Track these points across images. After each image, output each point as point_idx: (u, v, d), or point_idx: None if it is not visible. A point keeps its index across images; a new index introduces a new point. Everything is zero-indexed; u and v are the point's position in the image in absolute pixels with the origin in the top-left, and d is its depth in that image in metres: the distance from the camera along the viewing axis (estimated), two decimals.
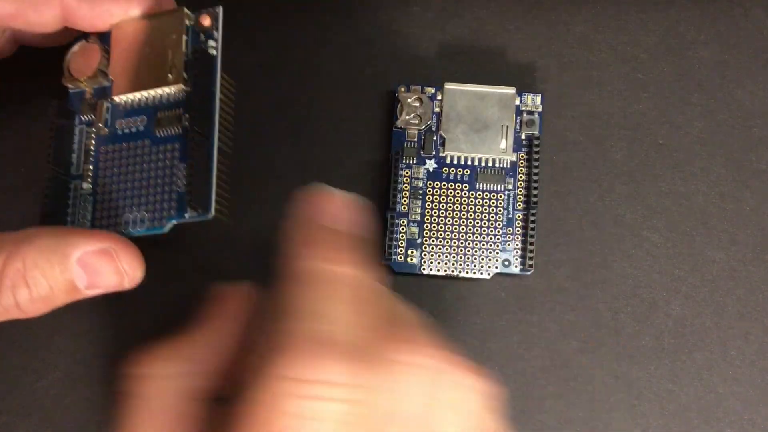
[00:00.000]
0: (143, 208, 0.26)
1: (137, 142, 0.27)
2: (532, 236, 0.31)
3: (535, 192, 0.31)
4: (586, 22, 0.33)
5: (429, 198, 0.31)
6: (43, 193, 0.27)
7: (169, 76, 0.26)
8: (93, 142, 0.27)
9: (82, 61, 0.27)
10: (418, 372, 0.20)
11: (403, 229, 0.31)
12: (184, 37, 0.26)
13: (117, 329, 0.31)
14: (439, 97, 0.31)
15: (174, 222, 0.26)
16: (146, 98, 0.27)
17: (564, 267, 0.32)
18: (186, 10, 0.26)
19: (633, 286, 0.32)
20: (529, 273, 0.31)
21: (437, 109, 0.31)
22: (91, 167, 0.27)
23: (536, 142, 0.31)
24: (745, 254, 0.32)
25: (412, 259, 0.31)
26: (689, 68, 0.33)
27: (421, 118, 0.31)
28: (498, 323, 0.31)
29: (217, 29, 0.26)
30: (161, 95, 0.27)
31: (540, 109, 0.32)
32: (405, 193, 0.31)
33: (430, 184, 0.31)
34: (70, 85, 0.28)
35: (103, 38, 0.28)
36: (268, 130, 0.32)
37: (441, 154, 0.31)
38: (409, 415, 0.19)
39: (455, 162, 0.31)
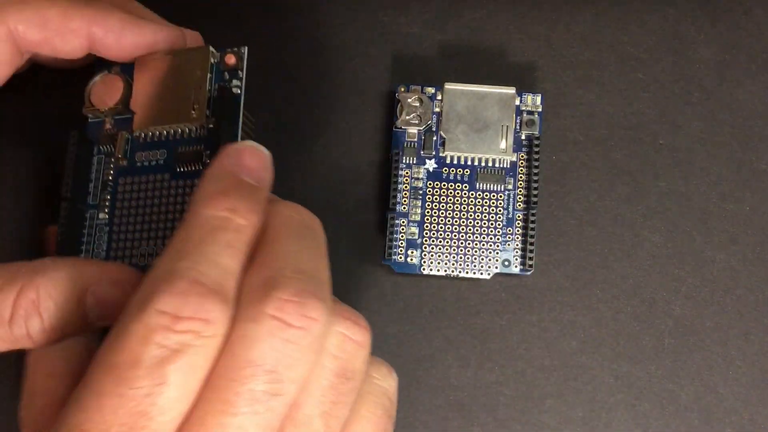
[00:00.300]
0: (160, 241, 0.26)
1: (156, 175, 0.27)
2: (532, 236, 0.31)
3: (535, 192, 0.31)
4: (586, 22, 0.33)
5: (429, 198, 0.31)
6: (59, 222, 0.27)
7: (192, 112, 0.26)
8: (111, 172, 0.27)
9: (104, 92, 0.27)
10: (277, 326, 0.20)
11: (403, 229, 0.31)
12: (209, 75, 0.26)
13: None
14: (439, 97, 0.31)
15: None
16: (167, 133, 0.27)
17: (564, 267, 0.32)
18: (212, 48, 0.27)
19: (633, 286, 0.32)
20: (529, 273, 0.31)
21: (437, 109, 0.31)
22: (108, 197, 0.27)
23: (536, 142, 0.31)
24: (745, 254, 0.32)
25: (412, 259, 0.31)
26: (689, 68, 0.33)
27: (421, 118, 0.31)
28: (498, 323, 0.31)
29: (242, 69, 0.27)
30: (182, 131, 0.27)
31: (540, 109, 0.32)
32: (405, 193, 0.31)
33: (430, 184, 0.31)
34: (90, 115, 0.28)
35: (125, 68, 0.28)
36: (268, 130, 0.32)
37: (441, 154, 0.31)
38: (266, 366, 0.20)
39: (455, 162, 0.31)
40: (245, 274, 0.21)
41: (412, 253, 0.31)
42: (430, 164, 0.31)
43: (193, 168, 0.26)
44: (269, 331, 0.20)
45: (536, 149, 0.31)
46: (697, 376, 0.31)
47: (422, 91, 0.32)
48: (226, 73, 0.27)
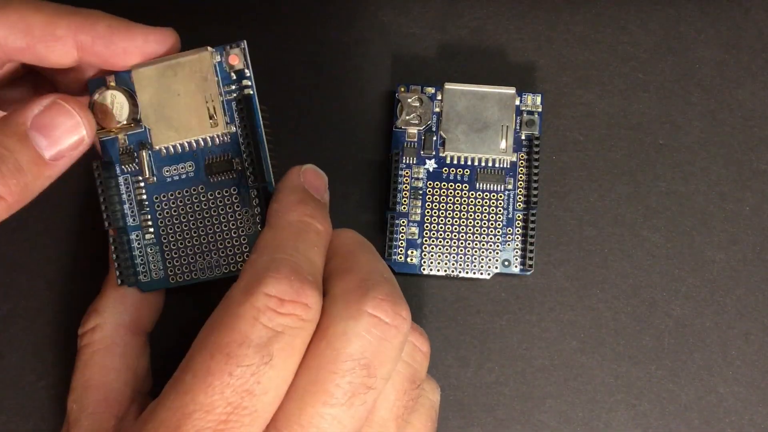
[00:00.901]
0: (214, 252, 0.27)
1: (190, 188, 0.27)
2: (532, 236, 0.31)
3: (535, 192, 0.31)
4: (586, 22, 0.33)
5: (429, 198, 0.31)
6: (113, 253, 0.27)
7: (212, 121, 0.26)
8: (144, 192, 0.27)
9: (108, 109, 0.26)
10: (384, 327, 0.22)
11: (403, 229, 0.31)
12: (215, 78, 0.26)
13: None
14: (439, 97, 0.31)
15: None
16: (188, 143, 0.26)
17: (564, 267, 0.32)
18: (210, 49, 0.26)
19: (633, 286, 0.32)
20: (529, 273, 0.31)
21: (437, 109, 0.31)
22: (149, 217, 0.27)
23: (536, 142, 0.31)
24: (745, 254, 0.32)
25: (412, 259, 0.31)
26: (689, 68, 0.33)
27: (421, 118, 0.31)
28: (498, 323, 0.31)
29: (247, 66, 0.26)
30: (205, 140, 0.26)
31: (540, 109, 0.32)
32: (405, 193, 0.31)
33: (430, 184, 0.31)
34: (101, 136, 0.27)
35: (121, 80, 0.27)
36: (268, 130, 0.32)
37: (441, 154, 0.31)
38: (362, 360, 0.22)
39: (455, 162, 0.31)
40: (333, 278, 0.23)
41: (412, 253, 0.31)
42: (430, 164, 0.31)
43: (226, 177, 0.26)
44: (367, 328, 0.22)
45: (536, 149, 0.31)
46: (697, 376, 0.31)
47: (422, 91, 0.32)
48: (232, 74, 0.26)
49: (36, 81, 0.29)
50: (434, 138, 0.31)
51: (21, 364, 0.31)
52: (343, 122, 0.32)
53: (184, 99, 0.26)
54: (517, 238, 0.31)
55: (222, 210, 0.27)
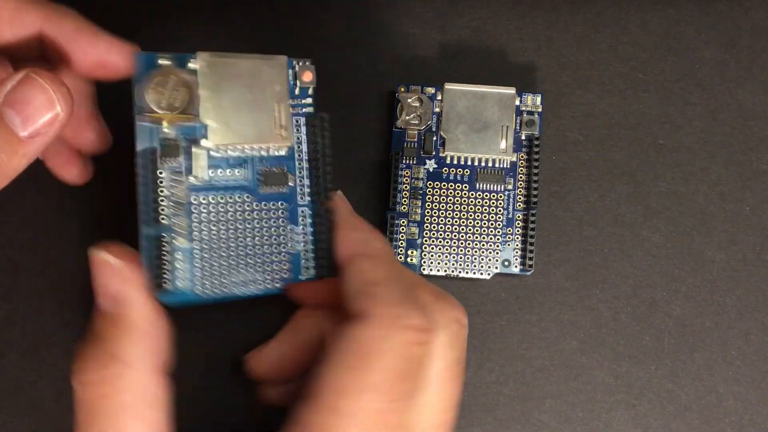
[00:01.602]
0: (252, 268, 0.25)
1: (236, 195, 0.25)
2: (532, 236, 0.31)
3: (535, 192, 0.31)
4: (586, 22, 0.33)
5: (429, 198, 0.31)
6: (144, 255, 0.24)
7: (279, 133, 0.24)
8: (185, 190, 0.24)
9: (163, 93, 0.23)
10: (463, 328, 0.25)
11: (403, 229, 0.31)
12: (287, 89, 0.25)
13: None
14: (439, 97, 0.31)
15: (289, 283, 0.25)
16: (245, 149, 0.25)
17: (564, 267, 0.32)
18: (287, 59, 0.25)
19: (633, 286, 0.32)
20: (529, 273, 0.31)
21: (437, 109, 0.31)
22: (185, 219, 0.24)
23: (536, 142, 0.31)
24: (745, 254, 0.32)
25: (412, 259, 0.31)
26: (689, 68, 0.33)
27: (421, 118, 0.31)
28: (498, 323, 0.31)
29: (313, 86, 0.26)
30: (263, 148, 0.25)
31: (540, 109, 0.32)
32: (405, 193, 0.31)
33: (430, 184, 0.31)
34: (145, 122, 0.24)
35: (178, 62, 0.24)
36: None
37: (441, 154, 0.31)
38: (460, 357, 0.25)
39: (455, 162, 0.31)
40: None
41: (412, 253, 0.31)
42: (430, 164, 0.31)
43: (278, 190, 0.25)
44: (459, 333, 0.25)
45: (536, 149, 0.31)
46: (697, 376, 0.31)
47: (422, 91, 0.32)
48: (297, 88, 0.25)
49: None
50: (434, 138, 0.31)
51: (21, 364, 0.31)
52: (343, 122, 0.32)
53: (253, 104, 0.24)
54: (517, 238, 0.31)
55: (266, 224, 0.25)
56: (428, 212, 0.31)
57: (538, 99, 0.32)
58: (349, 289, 0.24)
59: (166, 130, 0.24)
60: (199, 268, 0.24)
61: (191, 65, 0.24)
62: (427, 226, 0.31)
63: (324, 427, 0.21)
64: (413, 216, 0.31)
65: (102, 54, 0.25)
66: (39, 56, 0.26)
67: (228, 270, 0.24)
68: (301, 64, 0.25)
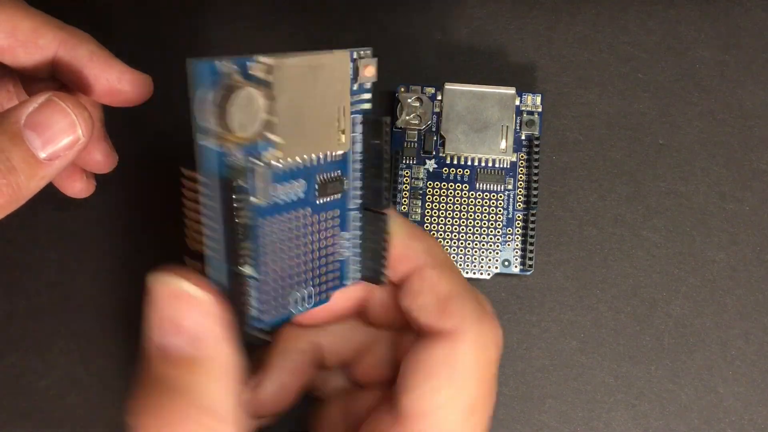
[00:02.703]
0: (308, 283, 0.22)
1: (297, 211, 0.21)
2: (532, 236, 0.31)
3: (535, 192, 0.31)
4: (586, 22, 0.33)
5: (429, 198, 0.31)
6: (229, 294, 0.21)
7: (341, 138, 0.21)
8: (248, 213, 0.20)
9: (231, 110, 0.18)
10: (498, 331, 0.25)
11: None
12: (348, 87, 0.22)
13: (116, 330, 0.31)
14: (439, 97, 0.31)
15: (335, 290, 0.23)
16: (303, 159, 0.21)
17: (564, 267, 0.32)
18: (349, 53, 0.21)
19: (633, 286, 0.32)
20: (529, 273, 0.31)
21: (437, 109, 0.31)
22: (249, 245, 0.20)
23: (536, 142, 0.31)
24: (745, 254, 0.32)
25: None
26: (689, 68, 0.33)
27: (421, 118, 0.31)
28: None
29: (373, 81, 0.22)
30: (323, 156, 0.22)
31: (540, 109, 0.32)
32: (405, 193, 0.31)
33: (430, 184, 0.31)
34: (211, 144, 0.19)
35: (247, 74, 0.20)
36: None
37: (441, 154, 0.31)
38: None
39: (455, 162, 0.31)
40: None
41: None
42: (430, 164, 0.31)
43: (333, 198, 0.22)
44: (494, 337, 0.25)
45: (536, 149, 0.31)
46: (697, 376, 0.31)
47: (422, 91, 0.32)
48: (356, 85, 0.22)
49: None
50: (434, 138, 0.31)
51: (21, 364, 0.31)
52: None
53: (317, 109, 0.21)
54: (517, 238, 0.31)
55: (321, 234, 0.22)
56: (428, 212, 0.31)
57: (538, 99, 0.32)
58: (422, 304, 0.23)
59: (230, 151, 0.19)
60: (264, 294, 0.21)
61: (256, 73, 0.19)
62: (427, 226, 0.31)
63: None
64: (413, 216, 0.31)
65: (113, 82, 0.26)
66: (50, 77, 0.26)
67: (287, 290, 0.22)
68: (362, 53, 0.22)
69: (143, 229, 0.31)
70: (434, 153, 0.31)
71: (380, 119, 0.22)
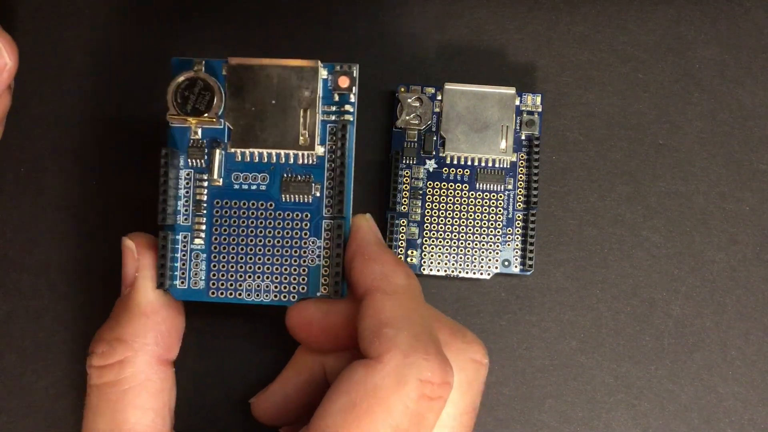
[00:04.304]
0: (266, 276, 0.24)
1: (258, 201, 0.24)
2: (532, 236, 0.31)
3: (535, 192, 0.31)
4: (586, 22, 0.33)
5: (429, 198, 0.31)
6: (159, 252, 0.24)
7: (303, 139, 0.24)
8: (205, 192, 0.24)
9: (190, 96, 0.24)
10: (481, 368, 0.24)
11: (403, 229, 0.31)
12: (319, 95, 0.24)
13: None
14: (439, 97, 0.31)
15: (303, 298, 0.24)
16: (268, 155, 0.24)
17: (564, 267, 0.32)
18: (320, 64, 0.24)
19: (633, 286, 0.32)
20: (529, 273, 0.31)
21: (437, 109, 0.31)
22: (204, 220, 0.24)
23: (536, 142, 0.31)
24: (745, 254, 0.32)
25: (412, 259, 0.31)
26: (689, 68, 0.33)
27: (421, 118, 0.31)
28: (498, 323, 0.31)
29: (354, 92, 0.24)
30: (288, 155, 0.24)
31: (540, 109, 0.32)
32: (405, 193, 0.31)
33: (430, 184, 0.31)
34: (174, 122, 0.24)
35: (209, 68, 0.24)
36: None
37: (441, 154, 0.31)
38: (474, 403, 0.24)
39: (455, 162, 0.31)
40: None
41: (412, 253, 0.31)
42: (430, 164, 0.31)
43: (302, 200, 0.24)
44: (475, 373, 0.24)
45: (536, 149, 0.31)
46: (697, 376, 0.31)
47: (422, 91, 0.32)
48: (335, 94, 0.24)
49: None
50: (434, 138, 0.31)
51: (21, 364, 0.31)
52: None
53: (279, 109, 0.24)
54: (517, 238, 0.31)
55: (288, 233, 0.24)
56: (428, 212, 0.31)
57: (538, 99, 0.32)
58: (363, 327, 0.22)
59: (194, 132, 0.24)
60: (214, 270, 0.24)
61: (224, 71, 0.24)
62: (427, 226, 0.31)
63: None
64: (413, 216, 0.31)
65: None
66: None
67: (243, 275, 0.24)
68: (339, 68, 0.24)
69: (143, 229, 0.31)
70: (434, 153, 0.31)
71: (345, 124, 0.24)
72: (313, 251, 0.24)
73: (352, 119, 0.24)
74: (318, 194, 0.24)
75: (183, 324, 0.26)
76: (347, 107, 0.24)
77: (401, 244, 0.31)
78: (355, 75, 0.24)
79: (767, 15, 0.33)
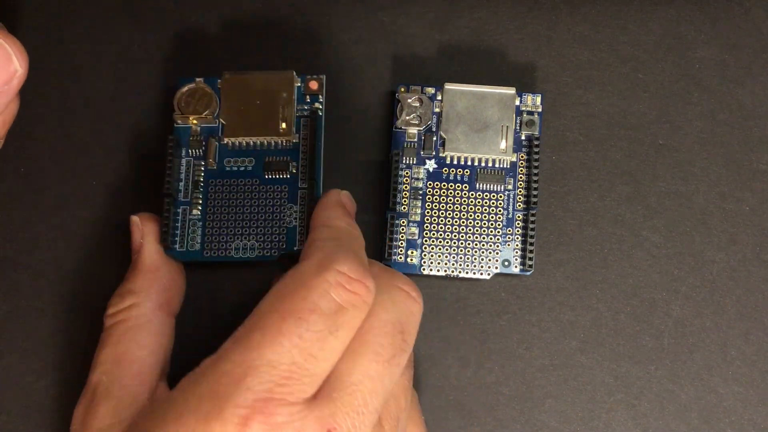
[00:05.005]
0: (252, 237, 0.30)
1: (246, 179, 0.30)
2: (532, 236, 0.31)
3: (535, 192, 0.31)
4: (586, 22, 0.33)
5: (429, 198, 0.31)
6: (162, 215, 0.29)
7: (282, 127, 0.30)
8: (202, 174, 0.30)
9: (192, 101, 0.31)
10: (409, 298, 0.26)
11: (403, 229, 0.31)
12: (294, 97, 0.30)
13: None
14: (439, 97, 0.31)
15: (283, 253, 0.30)
16: (254, 143, 0.30)
17: (564, 267, 0.32)
18: (294, 73, 0.31)
19: (633, 286, 0.32)
20: (529, 273, 0.31)
21: (437, 109, 0.31)
22: (200, 196, 0.30)
23: (536, 142, 0.31)
24: (745, 254, 0.32)
25: (412, 260, 0.31)
26: (689, 68, 0.33)
27: (421, 118, 0.31)
28: (498, 323, 0.31)
29: (322, 94, 0.31)
30: (270, 143, 0.30)
31: (540, 109, 0.32)
32: (405, 193, 0.31)
33: (430, 184, 0.31)
34: (179, 121, 0.31)
35: (208, 82, 0.31)
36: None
37: (441, 155, 0.31)
38: (399, 327, 0.25)
39: (455, 162, 0.31)
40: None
41: (412, 253, 0.31)
42: (430, 164, 0.31)
43: (281, 176, 0.30)
44: (401, 300, 0.26)
45: (536, 149, 0.31)
46: (697, 376, 0.31)
47: (422, 91, 0.32)
48: (307, 96, 0.31)
49: None
50: (434, 138, 0.31)
51: (21, 364, 0.31)
52: (343, 122, 0.32)
53: (262, 107, 0.30)
54: (517, 238, 0.31)
55: (270, 202, 0.30)
56: (428, 212, 0.31)
57: (538, 99, 0.32)
58: (303, 251, 0.26)
59: (194, 130, 0.31)
60: (208, 235, 0.30)
61: (219, 84, 0.31)
62: (427, 226, 0.31)
63: (250, 344, 0.23)
64: (413, 216, 0.31)
65: None
66: None
67: (233, 238, 0.30)
68: (309, 77, 0.31)
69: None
70: (434, 153, 0.31)
71: (314, 112, 0.31)
72: (290, 215, 0.30)
73: (321, 114, 0.31)
74: (294, 171, 0.30)
75: (183, 283, 0.30)
76: (317, 105, 0.31)
77: (401, 244, 0.31)
78: (323, 83, 0.31)
79: (767, 15, 0.33)
